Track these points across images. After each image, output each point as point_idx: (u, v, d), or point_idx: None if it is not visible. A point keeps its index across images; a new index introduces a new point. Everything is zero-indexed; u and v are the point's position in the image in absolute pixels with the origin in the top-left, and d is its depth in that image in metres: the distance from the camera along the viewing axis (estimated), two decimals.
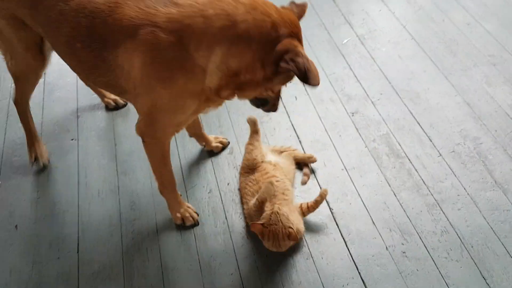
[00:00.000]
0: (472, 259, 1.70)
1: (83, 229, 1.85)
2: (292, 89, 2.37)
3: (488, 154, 2.03)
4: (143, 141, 1.62)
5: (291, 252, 1.75)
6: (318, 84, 1.33)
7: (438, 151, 2.06)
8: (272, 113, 2.21)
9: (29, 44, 1.72)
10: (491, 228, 1.78)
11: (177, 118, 1.55)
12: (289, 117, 2.24)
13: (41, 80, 2.50)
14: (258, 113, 2.25)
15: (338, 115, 2.24)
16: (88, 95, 2.39)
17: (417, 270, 1.69)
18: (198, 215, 1.85)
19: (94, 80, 1.64)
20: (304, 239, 1.78)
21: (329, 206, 1.89)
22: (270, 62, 1.35)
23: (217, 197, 1.94)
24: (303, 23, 2.74)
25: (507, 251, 1.71)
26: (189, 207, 1.85)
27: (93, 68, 1.51)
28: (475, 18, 2.71)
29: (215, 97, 1.46)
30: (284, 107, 2.28)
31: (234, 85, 1.42)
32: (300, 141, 2.13)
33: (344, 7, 2.86)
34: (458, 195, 1.90)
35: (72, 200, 1.94)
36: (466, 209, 1.85)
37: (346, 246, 1.77)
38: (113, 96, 2.27)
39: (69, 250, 1.79)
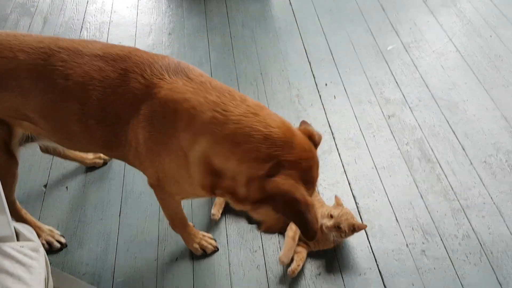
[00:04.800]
0: (490, 264, 1.74)
1: (125, 197, 2.02)
2: (332, 89, 2.47)
3: None
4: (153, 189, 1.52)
5: None
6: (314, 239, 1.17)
7: (470, 160, 2.10)
8: (310, 109, 2.35)
9: None
10: None
11: (184, 188, 1.40)
12: (326, 114, 2.34)
13: None
14: (296, 108, 2.38)
15: (374, 117, 2.32)
16: None
17: (434, 268, 1.74)
18: (215, 240, 1.82)
19: (106, 154, 1.63)
20: None
21: (355, 201, 1.97)
22: (255, 187, 1.15)
23: None
24: (351, 27, 2.84)
25: None
26: (204, 235, 1.80)
27: (106, 143, 1.39)
28: None
29: (209, 193, 1.32)
30: (322, 104, 2.38)
31: (222, 188, 1.25)
32: (334, 138, 2.22)
33: (392, 15, 2.93)
34: (484, 203, 1.94)
35: (119, 170, 2.12)
36: (490, 217, 1.89)
37: (368, 239, 1.85)
38: (91, 156, 2.10)
39: (112, 213, 1.96)
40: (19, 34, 1.38)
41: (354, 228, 1.71)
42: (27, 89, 1.32)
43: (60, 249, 1.84)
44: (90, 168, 2.12)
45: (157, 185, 1.45)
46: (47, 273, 1.17)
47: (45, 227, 1.86)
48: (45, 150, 1.83)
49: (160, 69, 1.30)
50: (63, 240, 1.86)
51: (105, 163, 2.13)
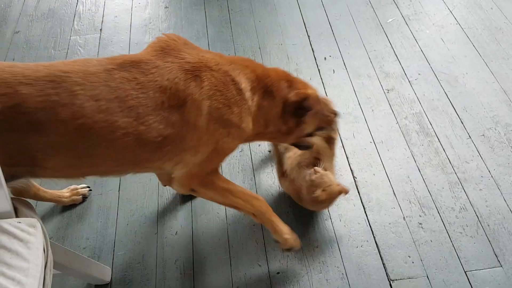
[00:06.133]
0: (487, 236, 1.76)
1: None
2: (331, 63, 2.45)
3: None
4: (195, 191, 1.50)
5: (311, 213, 1.86)
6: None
7: (468, 133, 2.10)
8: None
9: None
10: (510, 210, 1.83)
11: (227, 155, 1.50)
12: (324, 88, 2.32)
13: (97, 35, 2.70)
14: None
15: (373, 91, 2.30)
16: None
17: (431, 241, 1.76)
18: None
19: (148, 164, 1.40)
20: None
21: (353, 175, 1.98)
22: (290, 116, 1.49)
23: (247, 156, 2.06)
24: (350, 0, 2.74)
25: None
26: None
27: (160, 143, 1.31)
28: None
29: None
30: (321, 78, 2.36)
31: (265, 136, 1.56)
32: None
33: None
34: (482, 176, 1.94)
35: None
36: (488, 190, 1.90)
37: (365, 212, 1.86)
38: (68, 194, 1.95)
39: (111, 188, 1.97)
40: (7, 67, 1.18)
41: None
42: (43, 122, 1.18)
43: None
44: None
45: (206, 177, 1.46)
46: (46, 248, 1.18)
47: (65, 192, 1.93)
48: (17, 193, 1.66)
49: (189, 53, 1.37)
50: (86, 191, 1.97)
51: (84, 199, 1.96)
